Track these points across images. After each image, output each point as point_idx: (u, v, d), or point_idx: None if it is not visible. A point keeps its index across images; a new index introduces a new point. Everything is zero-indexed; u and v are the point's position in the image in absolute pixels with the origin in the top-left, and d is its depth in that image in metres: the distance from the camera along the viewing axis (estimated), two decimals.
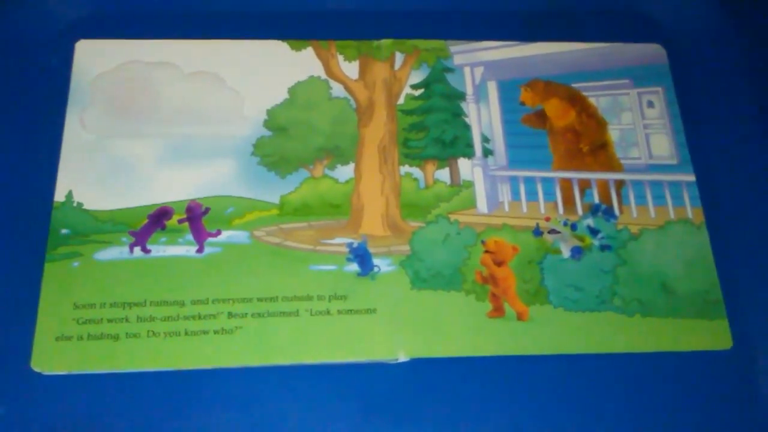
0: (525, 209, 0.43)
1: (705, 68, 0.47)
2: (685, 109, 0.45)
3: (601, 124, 0.45)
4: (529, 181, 0.43)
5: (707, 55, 0.48)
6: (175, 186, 0.41)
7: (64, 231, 0.39)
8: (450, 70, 0.46)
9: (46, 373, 0.36)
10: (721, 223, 0.42)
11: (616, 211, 0.42)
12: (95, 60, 0.44)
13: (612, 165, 0.44)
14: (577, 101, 0.45)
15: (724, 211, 0.43)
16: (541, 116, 0.45)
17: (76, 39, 0.44)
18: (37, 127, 0.42)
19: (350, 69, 0.45)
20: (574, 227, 0.42)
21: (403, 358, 0.37)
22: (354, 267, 0.40)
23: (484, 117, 0.45)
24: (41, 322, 0.37)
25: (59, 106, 0.42)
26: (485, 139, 0.44)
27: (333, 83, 0.45)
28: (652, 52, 0.47)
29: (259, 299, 0.38)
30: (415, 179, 0.43)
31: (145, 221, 0.40)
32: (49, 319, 0.37)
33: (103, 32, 0.45)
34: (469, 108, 0.45)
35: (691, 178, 0.43)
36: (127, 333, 0.37)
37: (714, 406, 0.38)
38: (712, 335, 0.39)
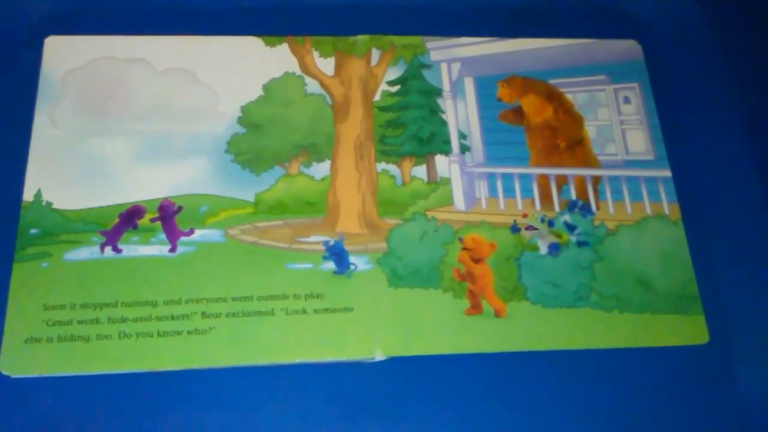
0: (502, 206, 0.42)
1: (681, 64, 0.48)
2: (662, 105, 0.45)
3: (577, 120, 0.45)
4: (507, 178, 0.43)
5: (683, 50, 0.48)
6: (147, 184, 0.40)
7: (33, 231, 0.38)
8: (427, 66, 0.45)
9: (15, 376, 0.35)
10: (698, 218, 0.43)
11: (593, 207, 0.42)
12: (65, 56, 0.43)
13: (589, 161, 0.44)
14: (554, 97, 0.45)
15: (700, 207, 0.43)
16: (518, 112, 0.45)
17: (46, 35, 0.43)
18: (5, 125, 0.41)
19: (326, 65, 0.45)
20: (551, 223, 0.42)
21: (380, 356, 0.37)
22: (330, 265, 0.39)
23: (461, 113, 0.44)
24: (9, 324, 0.36)
25: (28, 103, 0.41)
26: (462, 136, 0.44)
27: (308, 80, 0.44)
28: (628, 48, 0.47)
29: (234, 299, 0.38)
30: (392, 176, 0.42)
31: (116, 220, 0.39)
32: (17, 321, 0.36)
33: (73, 28, 0.44)
34: (446, 104, 0.45)
35: (668, 173, 0.43)
36: (98, 334, 0.36)
37: (691, 400, 0.38)
38: (688, 330, 0.39)
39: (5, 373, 0.35)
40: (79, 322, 0.36)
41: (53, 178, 0.39)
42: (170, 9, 0.46)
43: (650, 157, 0.44)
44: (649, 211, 0.42)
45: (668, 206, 0.42)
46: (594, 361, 0.39)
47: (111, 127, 0.41)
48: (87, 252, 0.38)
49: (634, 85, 0.46)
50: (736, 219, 0.43)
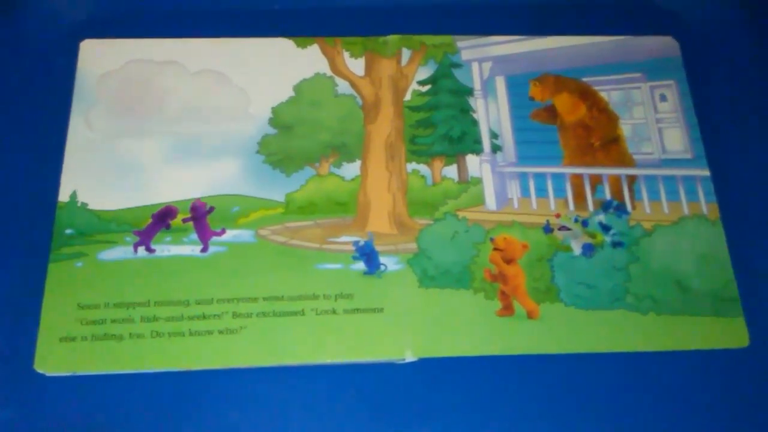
0: (535, 206, 0.42)
1: (718, 60, 0.47)
2: (699, 103, 0.44)
3: (612, 119, 0.44)
4: (539, 177, 0.42)
5: (720, 47, 0.47)
6: (179, 185, 0.40)
7: (68, 231, 0.39)
8: (457, 65, 0.45)
9: (50, 374, 0.36)
10: (737, 218, 0.41)
11: (629, 207, 0.41)
12: (100, 59, 0.43)
13: (624, 160, 0.43)
14: (587, 96, 0.45)
15: (739, 206, 0.42)
16: (550, 111, 0.44)
17: (81, 38, 0.44)
18: (41, 127, 0.42)
19: (356, 66, 0.45)
20: (585, 224, 0.41)
21: (410, 357, 0.37)
22: (360, 265, 0.39)
23: (493, 113, 0.44)
24: (45, 323, 0.36)
25: (64, 105, 0.42)
26: (494, 135, 0.43)
27: (339, 80, 0.44)
28: (664, 44, 0.46)
29: (265, 299, 0.38)
30: (423, 176, 0.42)
31: (150, 221, 0.39)
32: (52, 320, 0.36)
33: (107, 32, 0.45)
34: (477, 104, 0.44)
35: (706, 172, 0.42)
36: (131, 333, 0.36)
37: (731, 405, 0.37)
38: (728, 333, 0.38)
39: (40, 371, 0.35)
40: (113, 321, 0.37)
41: (88, 179, 0.40)
42: (202, 12, 0.47)
43: (688, 156, 0.43)
44: (686, 211, 0.41)
45: (707, 206, 0.41)
46: (629, 365, 0.38)
47: (144, 129, 0.42)
48: (121, 252, 0.39)
49: (671, 82, 0.45)
50: None
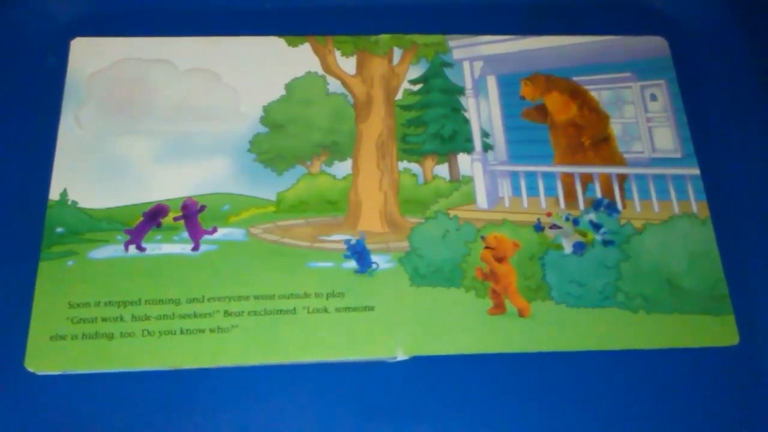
0: (526, 204, 0.42)
1: (708, 60, 0.47)
2: (689, 102, 0.45)
3: (603, 118, 0.44)
4: (530, 176, 0.43)
5: (710, 46, 0.47)
6: (170, 183, 0.40)
7: (58, 229, 0.39)
8: (449, 64, 0.45)
9: (40, 373, 0.35)
10: (727, 216, 0.42)
11: (619, 206, 0.42)
12: (91, 58, 0.43)
13: (614, 159, 0.43)
14: (578, 95, 0.45)
15: (729, 205, 0.42)
16: (541, 110, 0.44)
17: (72, 37, 0.44)
18: (31, 125, 0.42)
19: (348, 64, 0.45)
20: (576, 222, 0.41)
21: (402, 356, 0.37)
22: (352, 264, 0.39)
23: (484, 112, 0.44)
24: (35, 322, 0.36)
25: (54, 103, 0.42)
26: (485, 134, 0.43)
27: (330, 79, 0.44)
28: (654, 44, 0.46)
29: (256, 297, 0.38)
30: (414, 175, 0.42)
31: (141, 219, 0.39)
32: (43, 319, 0.36)
33: (98, 30, 0.45)
34: (469, 103, 0.44)
35: (696, 171, 0.42)
36: (121, 332, 0.36)
37: (720, 403, 0.37)
38: (718, 331, 0.38)
39: (31, 369, 0.35)
40: (104, 319, 0.37)
41: (79, 177, 0.40)
42: (193, 10, 0.46)
43: (678, 155, 0.43)
44: (676, 209, 0.41)
45: (696, 204, 0.42)
46: (620, 363, 0.38)
47: (135, 127, 0.42)
48: (111, 250, 0.38)
49: (661, 82, 0.45)
50: (767, 217, 0.42)
